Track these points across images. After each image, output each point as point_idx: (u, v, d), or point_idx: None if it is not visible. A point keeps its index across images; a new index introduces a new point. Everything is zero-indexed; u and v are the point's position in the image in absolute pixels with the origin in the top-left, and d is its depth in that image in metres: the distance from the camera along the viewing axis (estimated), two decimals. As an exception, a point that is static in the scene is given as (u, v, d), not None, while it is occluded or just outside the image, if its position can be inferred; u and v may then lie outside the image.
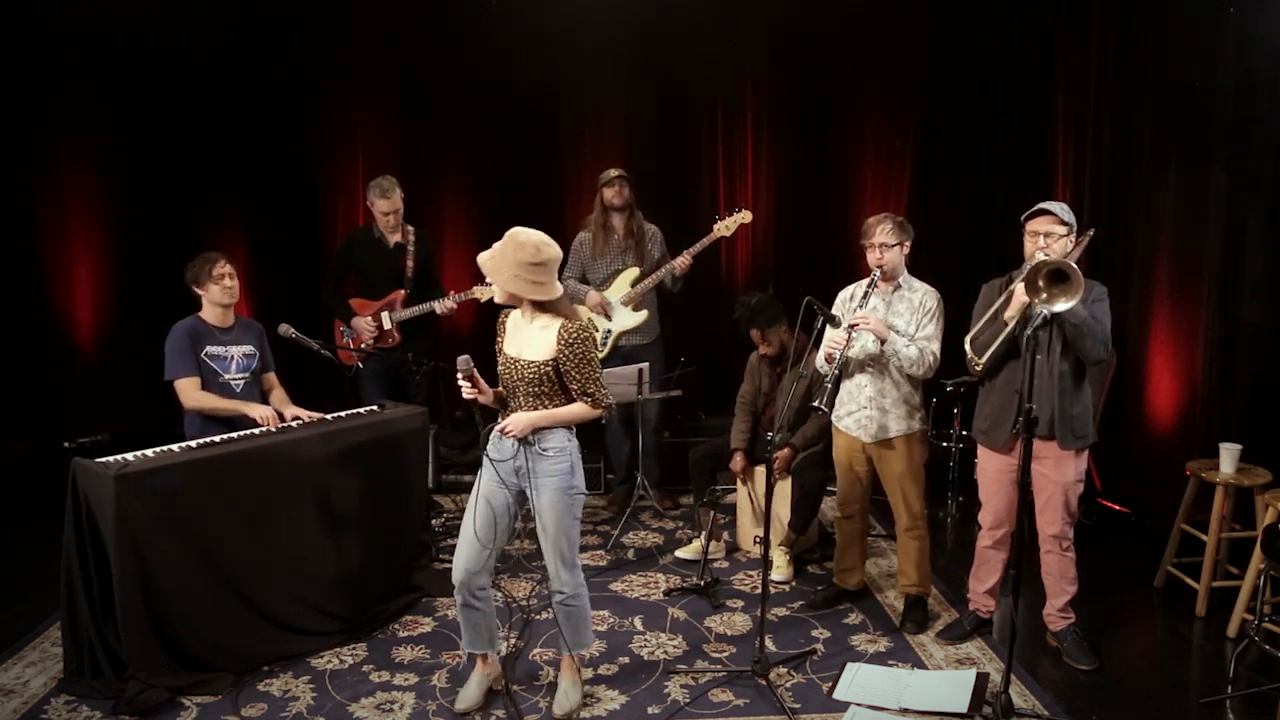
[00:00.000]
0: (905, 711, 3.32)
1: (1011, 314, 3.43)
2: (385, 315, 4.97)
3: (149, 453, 3.51)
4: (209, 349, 4.03)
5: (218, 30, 5.91)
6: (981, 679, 3.49)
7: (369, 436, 4.01)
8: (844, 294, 3.96)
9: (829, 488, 4.45)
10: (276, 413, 4.00)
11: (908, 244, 3.81)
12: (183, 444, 3.69)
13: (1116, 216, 5.22)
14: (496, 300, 3.18)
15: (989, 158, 6.23)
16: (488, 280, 3.14)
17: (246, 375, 4.12)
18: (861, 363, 3.83)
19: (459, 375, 3.16)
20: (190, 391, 3.95)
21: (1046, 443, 3.50)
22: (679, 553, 4.62)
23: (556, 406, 3.15)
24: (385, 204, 4.86)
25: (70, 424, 5.67)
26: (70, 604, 3.40)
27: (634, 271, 5.12)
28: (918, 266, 3.90)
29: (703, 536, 4.43)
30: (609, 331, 5.15)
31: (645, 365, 4.91)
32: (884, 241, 3.74)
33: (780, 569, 4.43)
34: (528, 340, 3.14)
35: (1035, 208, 3.50)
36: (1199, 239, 4.75)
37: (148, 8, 5.75)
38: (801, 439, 4.51)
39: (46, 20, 5.65)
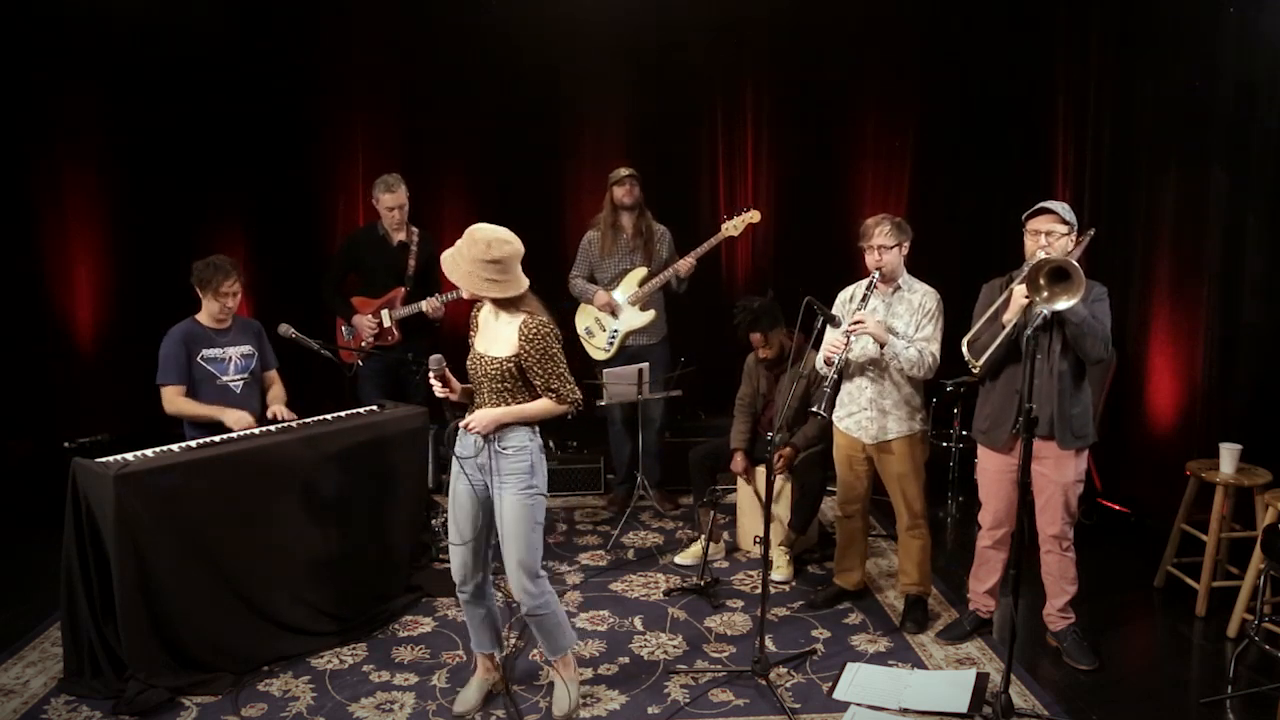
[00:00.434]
0: (905, 711, 3.32)
1: (1010, 316, 3.42)
2: (385, 313, 4.97)
3: (149, 453, 3.52)
4: (205, 352, 4.02)
5: (218, 30, 5.90)
6: (981, 679, 3.49)
7: (369, 436, 4.01)
8: (843, 295, 3.96)
9: (829, 488, 4.45)
10: (273, 415, 3.99)
11: (906, 245, 3.80)
12: (183, 444, 3.69)
13: (1116, 216, 5.22)
14: (464, 297, 3.15)
15: (989, 158, 6.23)
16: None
17: (246, 376, 4.12)
18: (861, 364, 3.82)
19: (430, 374, 3.15)
20: (171, 398, 3.97)
21: (1046, 443, 3.50)
22: (677, 559, 4.61)
23: (521, 403, 3.11)
24: (391, 199, 4.86)
25: (70, 424, 5.65)
26: (70, 604, 3.41)
27: (642, 271, 5.12)
28: (918, 267, 3.90)
29: (703, 537, 4.43)
30: (616, 331, 5.15)
31: (645, 365, 4.91)
32: (882, 243, 3.73)
33: (780, 569, 4.43)
34: (494, 336, 3.12)
35: (1036, 206, 3.50)
36: (1199, 239, 4.75)
37: (148, 8, 5.74)
38: (802, 439, 4.51)
39: (47, 20, 5.65)
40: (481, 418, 3.08)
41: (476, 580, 3.27)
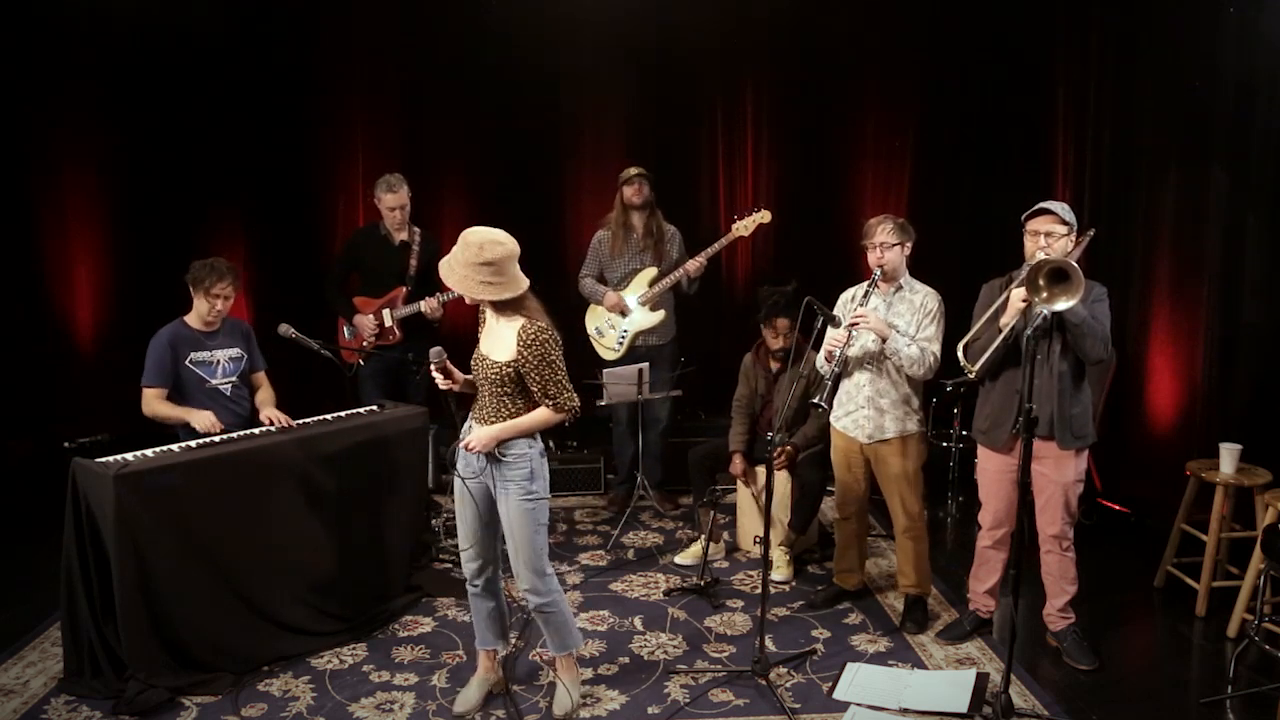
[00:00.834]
0: (905, 711, 3.32)
1: (1007, 320, 3.42)
2: (386, 312, 4.97)
3: (149, 453, 3.52)
4: (193, 355, 3.99)
5: (218, 30, 5.91)
6: (981, 679, 3.49)
7: (369, 436, 4.01)
8: (845, 296, 3.96)
9: (829, 488, 4.45)
10: (265, 419, 3.97)
11: (908, 245, 3.80)
12: (182, 444, 3.69)
13: (1116, 216, 5.22)
14: (468, 301, 3.15)
15: (989, 158, 6.23)
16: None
17: (234, 379, 4.10)
18: (861, 362, 3.82)
19: (432, 367, 3.15)
20: (149, 400, 3.93)
21: (1046, 443, 3.50)
22: (677, 559, 4.61)
23: (519, 408, 3.09)
24: (392, 199, 4.86)
25: (70, 424, 5.67)
26: (70, 604, 3.40)
27: (652, 271, 5.11)
28: (918, 267, 3.90)
29: (703, 537, 4.43)
30: (625, 332, 5.14)
31: (645, 365, 4.91)
32: (884, 241, 3.73)
33: (780, 569, 4.43)
34: (495, 338, 3.11)
35: (1036, 207, 3.50)
36: (1199, 239, 4.75)
37: (148, 8, 5.74)
38: (802, 439, 4.51)
39: (47, 20, 5.65)
40: (480, 436, 3.08)
41: (487, 575, 3.30)
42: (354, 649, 3.79)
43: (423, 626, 4.00)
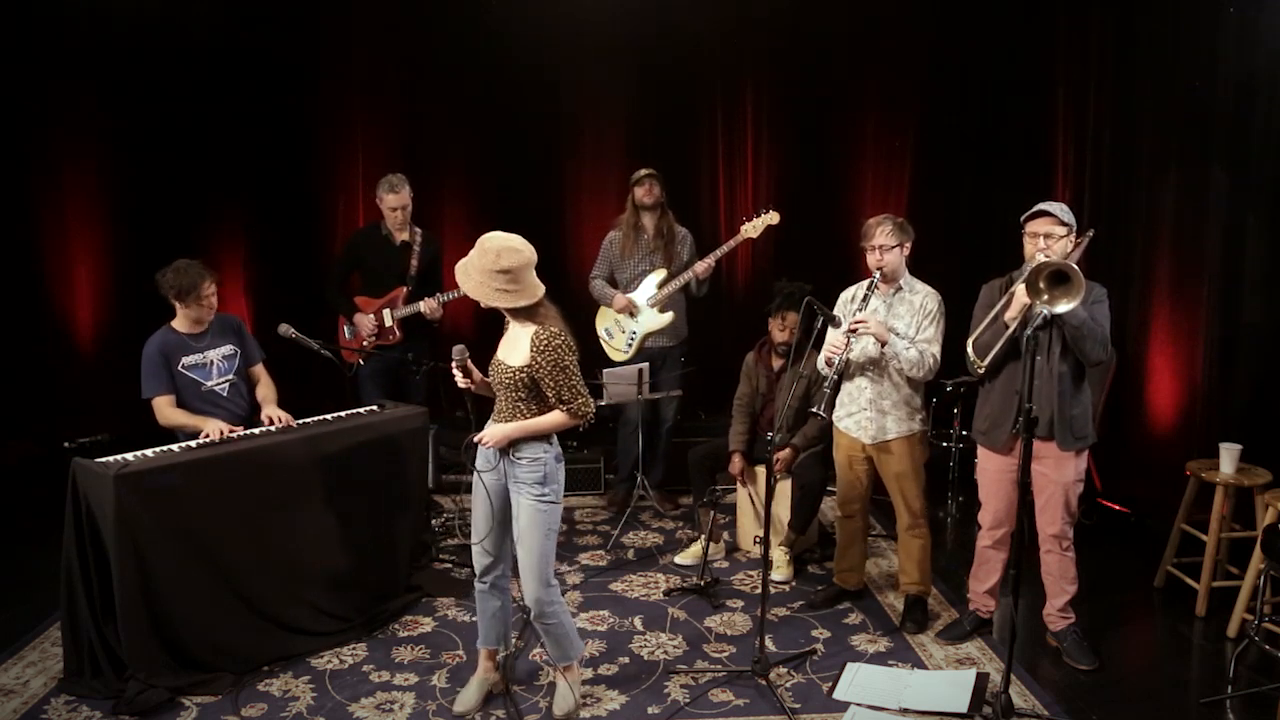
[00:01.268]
0: (905, 711, 3.32)
1: (1012, 315, 3.42)
2: (386, 312, 4.97)
3: (149, 453, 3.52)
4: (185, 360, 3.96)
5: (217, 30, 5.91)
6: (981, 679, 3.49)
7: (369, 436, 4.01)
8: (845, 295, 3.96)
9: (829, 488, 4.45)
10: (267, 418, 3.97)
11: (908, 245, 3.80)
12: (182, 444, 3.69)
13: (1116, 216, 5.22)
14: (484, 306, 3.14)
15: (989, 158, 6.23)
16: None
17: (230, 377, 4.08)
18: (861, 365, 3.82)
19: (453, 364, 3.16)
20: (162, 409, 3.91)
21: (1046, 443, 3.50)
22: (677, 559, 4.60)
23: (534, 412, 3.09)
24: (394, 199, 4.86)
25: (70, 424, 5.67)
26: (70, 604, 3.40)
27: (662, 273, 5.10)
28: (918, 267, 3.89)
29: (703, 537, 4.43)
30: (634, 333, 5.14)
31: (645, 365, 4.91)
32: (883, 243, 3.73)
33: (780, 569, 4.43)
34: (512, 344, 3.12)
35: (1034, 209, 3.50)
36: (1199, 239, 4.75)
37: (147, 8, 5.75)
38: (802, 439, 4.51)
39: (46, 20, 5.65)
40: (494, 433, 3.10)
41: (496, 573, 3.31)
42: (354, 649, 3.79)
43: (423, 626, 4.00)
